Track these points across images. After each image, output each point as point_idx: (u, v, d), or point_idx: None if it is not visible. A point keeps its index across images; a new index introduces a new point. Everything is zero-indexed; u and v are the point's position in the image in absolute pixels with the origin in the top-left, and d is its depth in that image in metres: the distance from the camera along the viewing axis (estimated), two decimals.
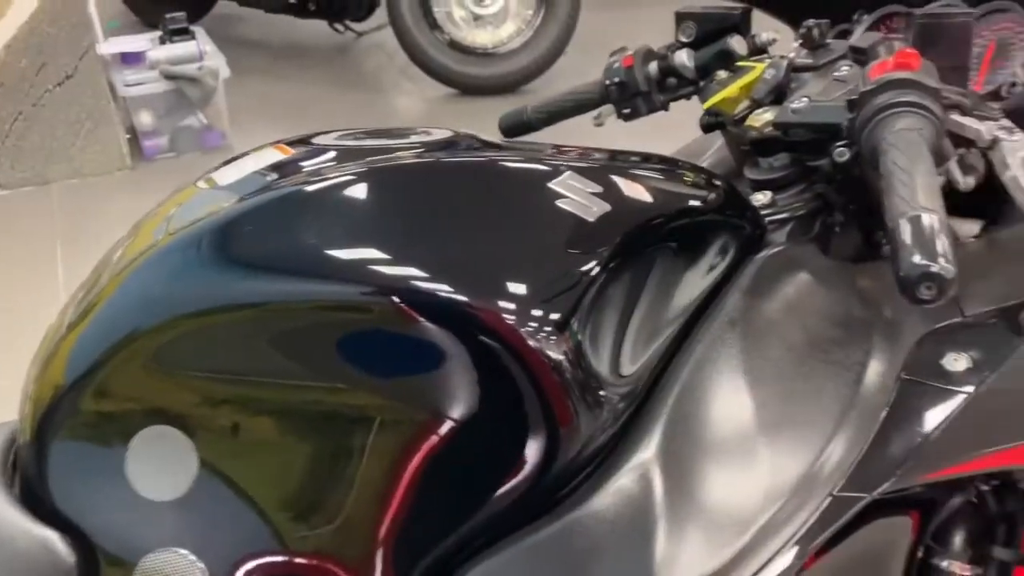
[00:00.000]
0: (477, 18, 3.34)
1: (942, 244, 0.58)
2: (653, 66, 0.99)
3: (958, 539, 0.81)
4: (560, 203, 0.69)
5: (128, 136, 2.93)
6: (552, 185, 0.70)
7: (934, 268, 0.57)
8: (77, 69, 2.73)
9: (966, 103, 0.73)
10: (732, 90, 0.91)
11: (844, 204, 0.82)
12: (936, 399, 0.69)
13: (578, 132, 1.10)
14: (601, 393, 0.67)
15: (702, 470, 0.68)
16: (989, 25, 0.87)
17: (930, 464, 0.69)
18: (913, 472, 0.68)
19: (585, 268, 0.67)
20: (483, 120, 1.03)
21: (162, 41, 2.94)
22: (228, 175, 0.72)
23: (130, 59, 2.94)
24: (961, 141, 0.73)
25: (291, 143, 0.76)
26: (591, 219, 0.69)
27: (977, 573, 0.81)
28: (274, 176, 0.70)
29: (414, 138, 0.78)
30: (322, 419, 0.65)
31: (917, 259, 0.57)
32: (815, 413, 0.69)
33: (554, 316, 0.65)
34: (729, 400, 0.70)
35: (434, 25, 3.32)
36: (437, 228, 0.68)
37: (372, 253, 0.65)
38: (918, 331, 0.72)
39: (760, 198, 0.81)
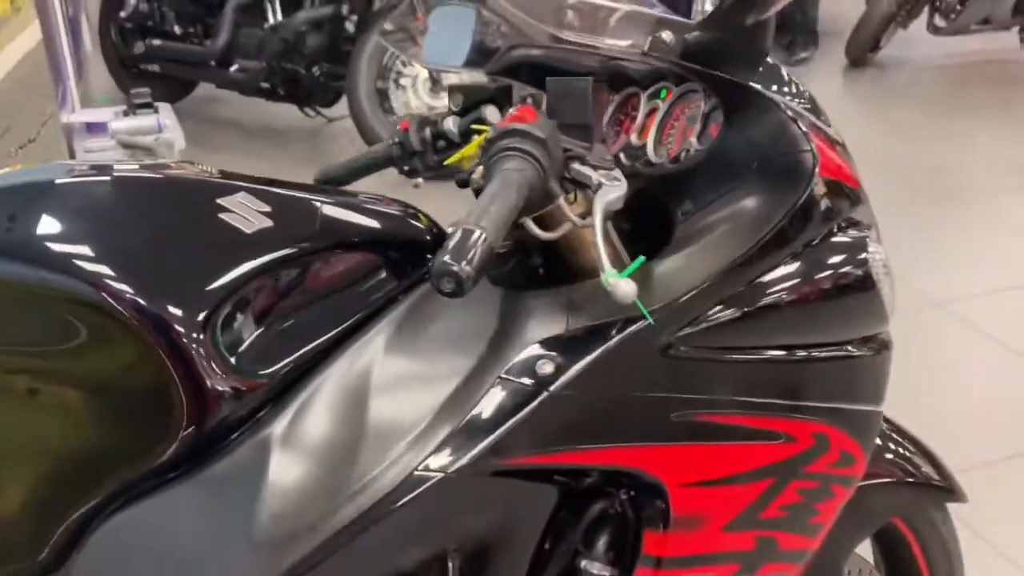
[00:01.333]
0: (431, 108, 3.55)
1: (474, 254, 0.70)
2: (427, 131, 1.14)
3: (600, 542, 0.91)
4: (223, 216, 0.83)
5: None
6: (221, 200, 0.84)
7: (455, 268, 0.70)
8: (40, 135, 2.93)
9: (584, 155, 0.87)
10: (467, 150, 1.05)
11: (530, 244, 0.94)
12: (520, 396, 0.80)
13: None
14: (234, 384, 0.79)
15: (313, 446, 0.79)
16: (686, 103, 1.00)
17: (504, 452, 0.80)
18: (487, 458, 0.79)
19: (233, 275, 0.81)
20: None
21: (126, 113, 3.16)
22: None
23: (95, 128, 3.15)
24: (579, 184, 0.87)
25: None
26: (248, 232, 0.83)
27: (615, 572, 0.90)
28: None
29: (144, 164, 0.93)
30: None
31: (447, 259, 0.70)
32: (418, 406, 0.81)
33: (197, 314, 0.78)
34: (357, 391, 0.82)
35: (390, 111, 3.54)
36: (116, 230, 0.81)
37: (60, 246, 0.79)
38: (532, 341, 0.84)
39: None
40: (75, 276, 0.77)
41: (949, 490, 1.27)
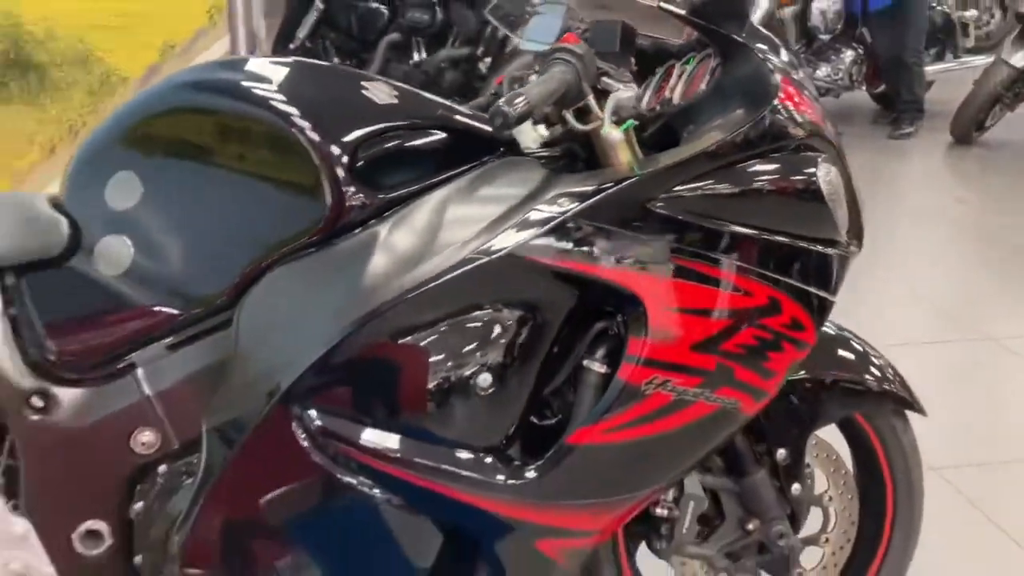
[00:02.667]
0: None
1: (518, 105, 1.11)
2: (516, 85, 1.55)
3: (598, 349, 1.27)
4: (366, 91, 1.27)
5: None
6: (365, 83, 1.28)
7: (505, 110, 1.10)
8: None
9: (611, 72, 1.27)
10: None
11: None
12: (545, 216, 1.19)
13: None
14: (360, 197, 1.21)
15: (402, 243, 1.20)
16: (705, 64, 1.39)
17: (533, 251, 1.19)
18: (520, 251, 1.18)
19: (371, 127, 1.24)
20: None
21: None
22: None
23: None
24: (605, 93, 1.26)
25: None
26: (381, 103, 1.26)
27: (608, 370, 1.26)
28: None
29: None
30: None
31: (501, 104, 1.10)
32: (474, 224, 1.22)
33: (346, 147, 1.21)
34: (437, 216, 1.23)
35: None
36: (299, 87, 1.26)
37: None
38: (560, 190, 1.23)
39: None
40: (274, 113, 1.21)
41: (909, 401, 1.57)
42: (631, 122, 1.23)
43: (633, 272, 1.23)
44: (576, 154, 1.34)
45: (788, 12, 5.11)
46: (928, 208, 4.39)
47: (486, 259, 1.18)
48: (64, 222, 1.24)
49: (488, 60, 4.28)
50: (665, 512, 1.45)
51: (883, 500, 1.61)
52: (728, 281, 1.26)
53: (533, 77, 1.28)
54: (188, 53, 3.59)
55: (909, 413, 1.59)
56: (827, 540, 1.61)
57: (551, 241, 1.20)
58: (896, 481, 1.60)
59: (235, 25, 3.58)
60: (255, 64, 1.32)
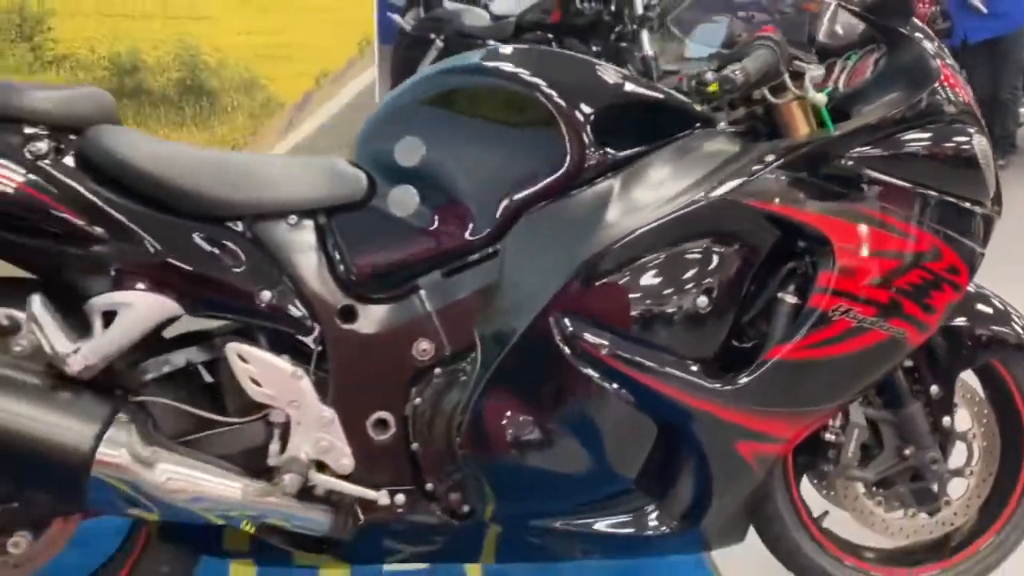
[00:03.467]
0: None
1: (740, 74, 1.41)
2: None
3: (791, 284, 1.55)
4: (601, 72, 1.59)
5: None
6: (599, 67, 1.60)
7: (731, 75, 1.41)
8: None
9: (802, 57, 1.56)
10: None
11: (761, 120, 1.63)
12: (755, 164, 1.49)
13: None
14: (596, 156, 1.52)
15: (631, 193, 1.51)
16: (868, 57, 1.68)
17: (747, 195, 1.48)
18: (736, 194, 1.49)
19: (606, 100, 1.55)
20: None
21: None
22: None
23: None
24: (798, 75, 1.56)
25: None
26: (611, 82, 1.58)
27: (799, 302, 1.54)
28: None
29: None
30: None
31: (726, 70, 1.41)
32: (687, 177, 1.52)
33: (588, 117, 1.52)
34: (658, 174, 1.54)
35: None
36: (548, 68, 1.59)
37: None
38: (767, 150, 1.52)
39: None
40: (531, 88, 1.53)
41: None
42: (829, 88, 1.52)
43: (825, 216, 1.51)
44: (758, 130, 1.63)
45: None
46: None
47: (706, 202, 1.48)
48: (363, 176, 1.57)
49: None
50: (833, 437, 1.70)
51: (1019, 440, 1.83)
52: (900, 228, 1.54)
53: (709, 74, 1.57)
54: (340, 80, 3.97)
55: None
56: (971, 473, 1.84)
57: (759, 187, 1.49)
58: None
59: (384, 56, 3.97)
60: (515, 52, 1.65)
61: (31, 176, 1.39)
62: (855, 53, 1.68)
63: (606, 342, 1.48)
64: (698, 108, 1.64)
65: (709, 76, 1.48)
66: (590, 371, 1.48)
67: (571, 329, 1.47)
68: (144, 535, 1.59)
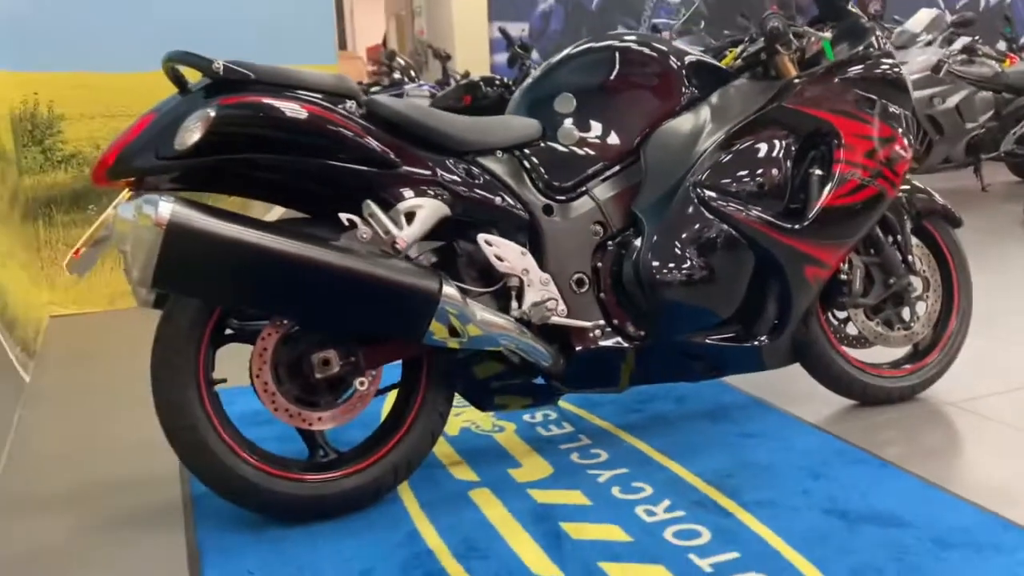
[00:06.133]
0: None
1: (776, 24, 2.32)
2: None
3: (816, 165, 2.44)
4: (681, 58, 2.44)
5: None
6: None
7: (777, 24, 2.30)
8: None
9: (801, 21, 2.49)
10: (728, 59, 2.66)
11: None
12: (769, 91, 2.38)
13: None
14: (690, 90, 2.39)
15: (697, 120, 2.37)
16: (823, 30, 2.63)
17: (784, 97, 2.37)
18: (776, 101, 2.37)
19: (685, 61, 2.41)
20: None
21: None
22: None
23: None
24: (798, 35, 2.47)
25: None
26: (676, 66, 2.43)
27: (823, 174, 2.42)
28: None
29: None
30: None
31: (774, 22, 2.30)
32: (726, 119, 2.40)
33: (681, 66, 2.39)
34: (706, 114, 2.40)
35: None
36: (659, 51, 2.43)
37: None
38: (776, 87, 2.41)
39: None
40: (653, 50, 2.36)
41: (956, 216, 2.76)
42: (829, 36, 2.45)
43: (834, 115, 2.40)
44: (761, 75, 2.52)
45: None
46: None
47: (770, 107, 2.34)
48: (535, 123, 2.31)
49: None
50: (845, 277, 2.55)
51: (950, 273, 2.76)
52: (874, 122, 2.45)
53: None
54: None
55: None
56: (927, 297, 2.74)
57: (797, 98, 2.37)
58: (955, 261, 2.77)
59: None
60: (631, 33, 2.48)
61: (354, 122, 2.04)
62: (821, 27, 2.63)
63: (724, 200, 2.28)
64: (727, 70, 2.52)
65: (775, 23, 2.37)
66: (718, 221, 2.27)
67: (703, 193, 2.26)
68: (423, 385, 2.19)
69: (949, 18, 6.72)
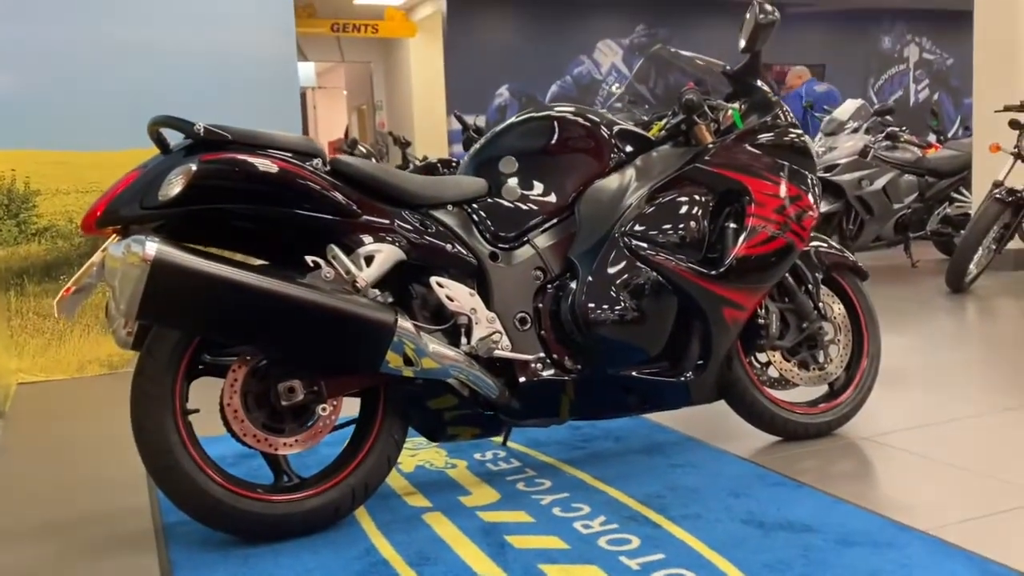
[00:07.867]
0: None
1: (694, 97, 2.64)
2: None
3: (731, 219, 2.74)
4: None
5: None
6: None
7: (692, 98, 2.63)
8: None
9: (712, 101, 2.83)
10: (655, 130, 2.99)
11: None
12: (684, 158, 2.70)
13: None
14: (616, 155, 2.69)
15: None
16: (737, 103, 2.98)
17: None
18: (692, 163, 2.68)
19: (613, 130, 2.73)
20: None
21: None
22: None
23: None
24: (714, 108, 2.81)
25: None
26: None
27: (736, 227, 2.72)
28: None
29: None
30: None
31: (688, 97, 2.63)
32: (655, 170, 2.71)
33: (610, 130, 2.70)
34: (635, 172, 2.71)
35: None
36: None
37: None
38: (689, 154, 2.73)
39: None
40: (583, 118, 2.67)
41: (864, 275, 3.07)
42: (738, 109, 2.78)
43: (745, 176, 2.71)
44: (682, 143, 2.84)
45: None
46: None
47: (688, 168, 2.65)
48: (483, 181, 2.60)
49: None
50: (762, 321, 2.83)
51: (859, 320, 3.06)
52: (784, 183, 2.76)
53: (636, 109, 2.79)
54: None
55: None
56: (839, 340, 3.02)
57: (712, 160, 2.68)
58: (863, 309, 3.07)
59: None
60: (568, 105, 2.78)
61: (320, 176, 2.30)
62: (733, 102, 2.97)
63: (648, 247, 2.56)
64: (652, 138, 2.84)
65: (675, 108, 2.69)
66: (643, 267, 2.54)
67: (628, 242, 2.54)
68: (380, 414, 2.40)
69: (872, 108, 7.24)
